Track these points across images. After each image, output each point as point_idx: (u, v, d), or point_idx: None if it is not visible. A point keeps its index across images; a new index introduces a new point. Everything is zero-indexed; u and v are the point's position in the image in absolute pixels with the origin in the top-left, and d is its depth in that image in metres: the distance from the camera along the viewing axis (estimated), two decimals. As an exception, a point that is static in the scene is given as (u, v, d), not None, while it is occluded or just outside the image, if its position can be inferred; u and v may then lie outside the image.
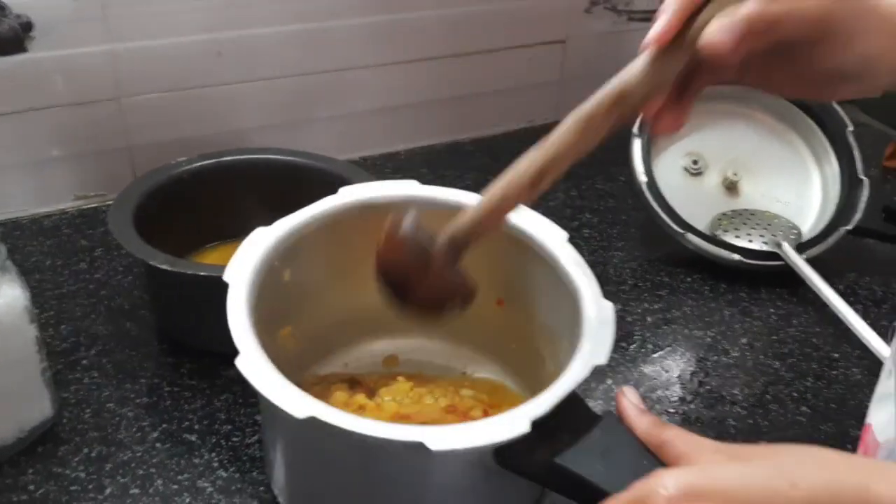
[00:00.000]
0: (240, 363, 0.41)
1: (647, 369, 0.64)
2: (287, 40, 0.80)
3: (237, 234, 0.64)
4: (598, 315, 0.46)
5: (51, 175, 0.77)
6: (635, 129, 0.77)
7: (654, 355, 0.65)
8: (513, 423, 0.39)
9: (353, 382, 0.54)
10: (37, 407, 0.52)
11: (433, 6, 0.86)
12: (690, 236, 0.74)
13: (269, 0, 0.78)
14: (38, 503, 0.49)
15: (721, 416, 0.59)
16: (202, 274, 0.56)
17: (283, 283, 0.51)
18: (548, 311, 0.53)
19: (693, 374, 0.63)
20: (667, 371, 0.64)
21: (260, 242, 0.49)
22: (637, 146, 0.77)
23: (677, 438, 0.37)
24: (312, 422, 0.39)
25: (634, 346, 0.66)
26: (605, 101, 0.41)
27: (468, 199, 0.52)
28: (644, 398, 0.60)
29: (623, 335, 0.67)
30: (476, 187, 0.93)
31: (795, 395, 0.62)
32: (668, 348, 0.66)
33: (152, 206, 0.65)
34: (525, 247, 0.52)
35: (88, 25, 0.71)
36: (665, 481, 0.33)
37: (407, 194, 0.54)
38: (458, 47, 0.90)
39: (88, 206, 0.78)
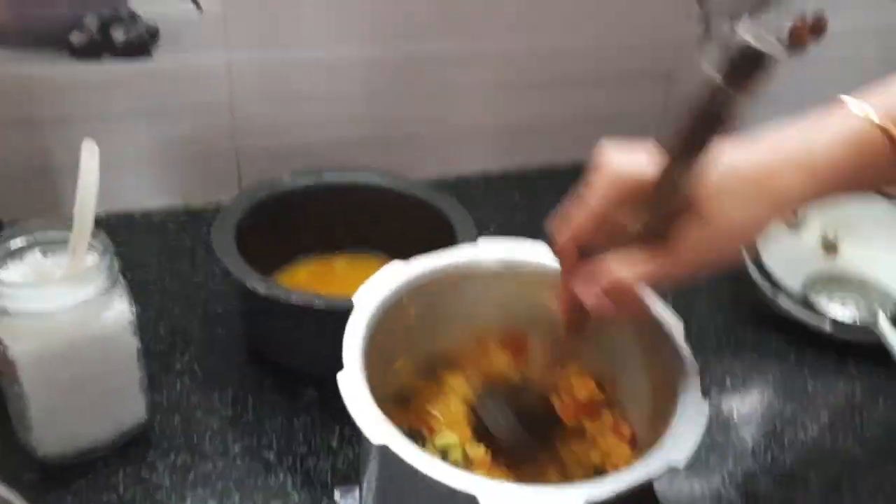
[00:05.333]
0: (341, 378, 0.43)
1: (720, 437, 0.63)
2: (388, 56, 0.82)
3: (332, 249, 0.73)
4: (694, 413, 0.45)
5: (163, 174, 0.81)
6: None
7: (729, 422, 0.64)
8: (566, 499, 0.39)
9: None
10: (132, 410, 0.56)
11: (535, 32, 0.85)
12: (783, 299, 0.72)
13: (369, 18, 0.80)
14: (125, 504, 0.53)
15: (790, 497, 0.59)
16: (293, 300, 0.59)
17: (408, 317, 0.52)
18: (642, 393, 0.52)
19: (766, 447, 0.62)
20: (740, 440, 0.63)
21: (394, 275, 0.51)
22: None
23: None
24: (385, 450, 0.40)
25: (710, 408, 0.65)
26: None
27: None
28: (710, 465, 0.60)
29: (699, 396, 0.66)
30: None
31: (874, 483, 0.60)
32: (745, 416, 0.65)
33: (253, 219, 0.68)
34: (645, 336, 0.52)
35: (209, 36, 0.75)
36: None
37: (541, 260, 0.54)
38: (558, 73, 0.89)
39: (194, 206, 0.82)
